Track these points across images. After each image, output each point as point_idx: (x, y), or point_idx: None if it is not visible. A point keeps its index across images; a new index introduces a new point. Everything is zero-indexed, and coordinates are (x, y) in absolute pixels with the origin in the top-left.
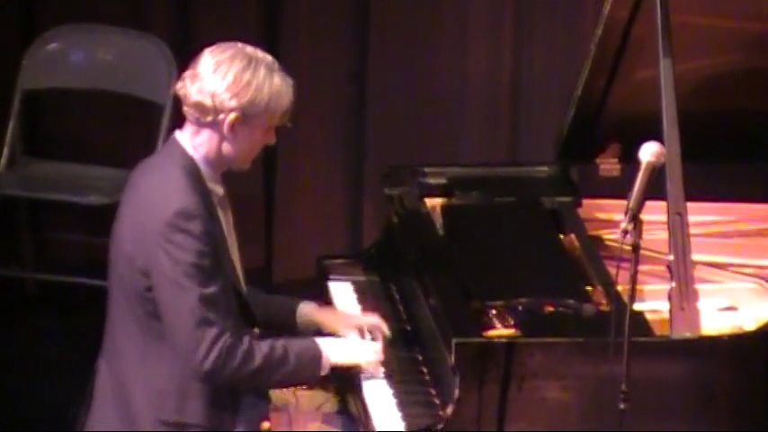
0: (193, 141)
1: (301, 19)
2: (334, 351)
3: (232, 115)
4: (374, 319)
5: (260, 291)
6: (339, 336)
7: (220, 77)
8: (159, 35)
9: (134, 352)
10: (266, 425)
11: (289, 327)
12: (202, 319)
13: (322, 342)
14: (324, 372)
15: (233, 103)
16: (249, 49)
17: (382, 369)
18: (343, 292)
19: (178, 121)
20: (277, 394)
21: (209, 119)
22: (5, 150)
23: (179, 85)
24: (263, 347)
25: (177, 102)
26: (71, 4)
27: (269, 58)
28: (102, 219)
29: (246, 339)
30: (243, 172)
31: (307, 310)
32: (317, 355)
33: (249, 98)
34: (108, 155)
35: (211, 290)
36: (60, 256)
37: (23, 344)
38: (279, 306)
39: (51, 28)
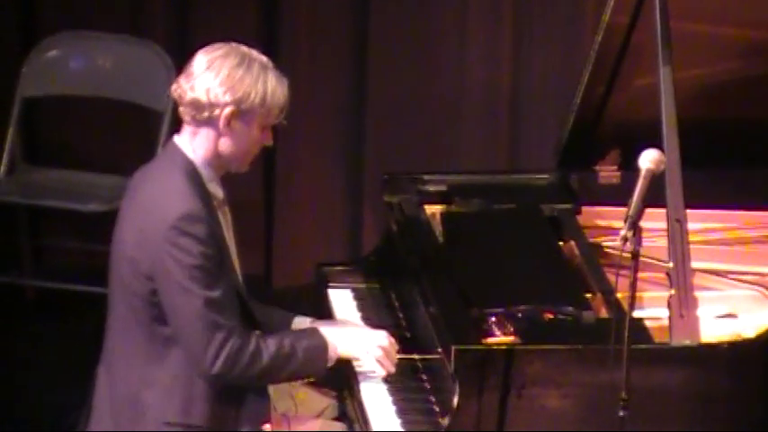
0: (192, 144)
1: (300, 25)
2: (341, 341)
3: (228, 109)
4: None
5: (256, 302)
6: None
7: (214, 74)
8: (158, 42)
9: (138, 356)
10: (267, 427)
11: None
12: (210, 322)
13: (328, 333)
14: (331, 363)
15: (227, 98)
16: (243, 48)
17: (388, 362)
18: (342, 299)
19: (177, 127)
20: (278, 401)
21: (206, 115)
22: (5, 157)
23: (174, 86)
24: (270, 346)
25: (177, 108)
26: (70, 12)
27: (263, 57)
28: (102, 226)
29: (254, 339)
30: (242, 179)
31: (301, 326)
32: (323, 348)
33: (243, 92)
34: (107, 162)
35: (217, 293)
36: (59, 263)
37: (22, 350)
38: (273, 319)
39: (51, 35)
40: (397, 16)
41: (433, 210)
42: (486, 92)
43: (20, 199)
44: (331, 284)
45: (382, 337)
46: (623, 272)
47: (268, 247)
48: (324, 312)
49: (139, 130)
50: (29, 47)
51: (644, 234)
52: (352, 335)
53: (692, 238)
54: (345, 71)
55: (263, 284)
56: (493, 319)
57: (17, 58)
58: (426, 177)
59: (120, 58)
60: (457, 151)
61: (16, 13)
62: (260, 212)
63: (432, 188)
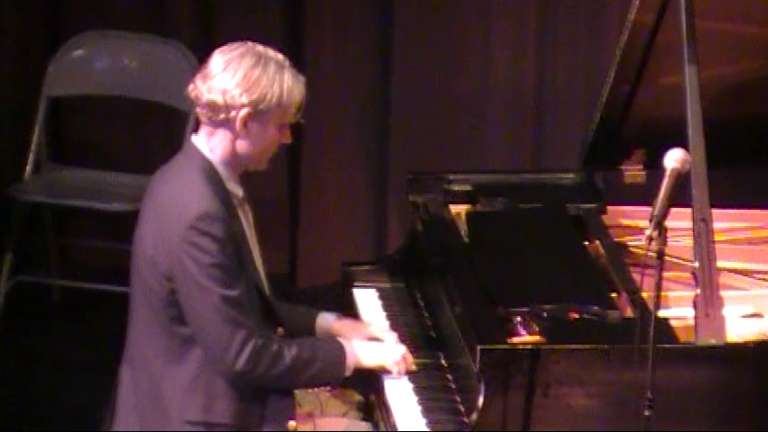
0: (209, 143)
1: (325, 24)
2: (360, 352)
3: (244, 111)
4: (390, 335)
5: (279, 300)
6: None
7: (231, 75)
8: (183, 41)
9: (158, 355)
10: (292, 424)
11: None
12: (230, 320)
13: (348, 343)
14: (348, 373)
15: (244, 99)
16: (259, 47)
17: (406, 373)
18: (367, 298)
19: (195, 126)
20: (303, 400)
21: (222, 116)
22: (31, 157)
23: (190, 87)
24: (292, 349)
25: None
26: (96, 12)
27: (279, 56)
28: (126, 225)
29: (276, 340)
30: (268, 178)
31: (325, 322)
32: (342, 357)
33: (260, 93)
34: (132, 161)
35: (236, 291)
36: (85, 263)
37: (48, 350)
38: (298, 316)
39: (76, 35)
40: (422, 15)
41: (457, 209)
42: (510, 91)
43: (45, 198)
44: (356, 284)
45: (401, 352)
46: (648, 271)
47: (293, 246)
48: (349, 312)
49: (165, 130)
50: (55, 46)
51: (669, 233)
52: (373, 346)
53: (717, 237)
54: (370, 71)
55: (288, 284)
56: (518, 318)
57: (43, 57)
58: (451, 177)
59: (145, 57)
60: (482, 150)
61: (42, 13)
62: (285, 212)
63: (456, 187)
